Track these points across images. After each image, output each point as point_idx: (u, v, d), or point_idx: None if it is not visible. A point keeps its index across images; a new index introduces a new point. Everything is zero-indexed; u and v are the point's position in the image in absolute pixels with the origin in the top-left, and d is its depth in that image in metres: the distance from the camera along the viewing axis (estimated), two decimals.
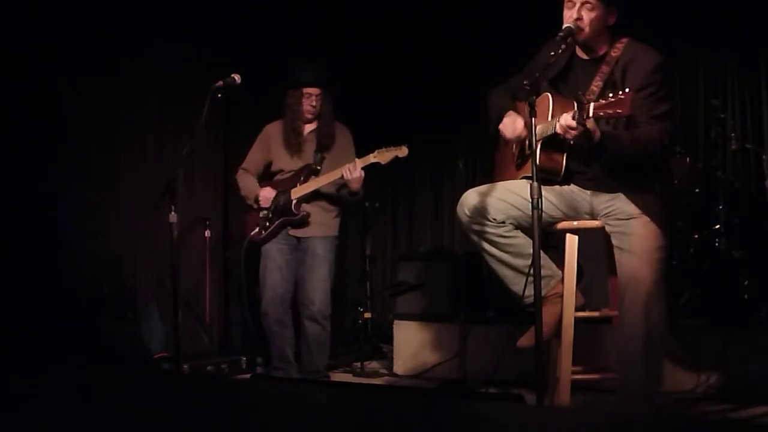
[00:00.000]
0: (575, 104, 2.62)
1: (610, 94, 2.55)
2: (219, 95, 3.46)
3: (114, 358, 4.12)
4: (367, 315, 4.94)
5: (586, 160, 2.87)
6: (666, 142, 2.76)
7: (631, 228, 2.78)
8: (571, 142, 2.74)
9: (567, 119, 2.64)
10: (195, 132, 3.43)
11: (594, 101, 2.58)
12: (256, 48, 5.37)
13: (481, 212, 2.89)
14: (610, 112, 2.53)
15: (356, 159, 3.97)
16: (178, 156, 3.53)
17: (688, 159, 4.47)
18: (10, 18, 4.23)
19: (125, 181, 4.92)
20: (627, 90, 2.54)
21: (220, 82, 3.48)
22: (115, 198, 4.86)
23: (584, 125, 2.61)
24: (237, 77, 3.54)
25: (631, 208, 2.79)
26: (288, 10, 5.58)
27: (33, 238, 4.26)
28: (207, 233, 5.12)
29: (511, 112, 3.01)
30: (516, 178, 3.03)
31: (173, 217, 3.34)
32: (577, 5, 2.79)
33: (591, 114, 2.56)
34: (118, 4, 4.76)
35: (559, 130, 2.69)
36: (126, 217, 4.86)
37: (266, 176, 4.27)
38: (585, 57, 2.94)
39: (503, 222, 2.89)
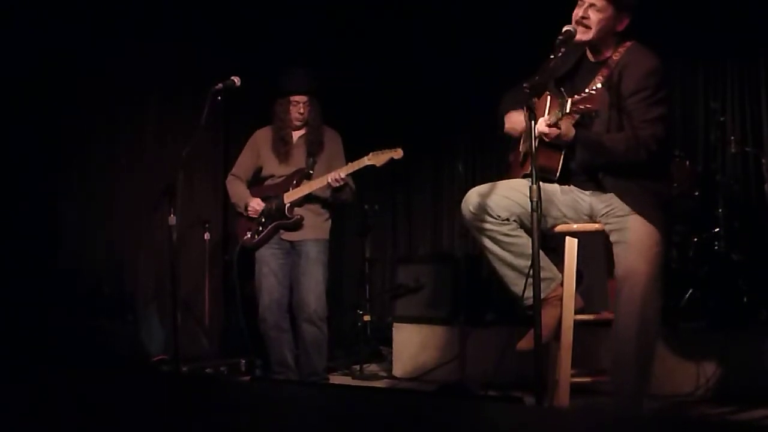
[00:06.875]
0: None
1: (585, 90, 2.60)
2: (219, 97, 3.47)
3: (113, 359, 4.12)
4: (367, 318, 4.93)
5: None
6: (653, 148, 2.76)
7: (629, 223, 2.80)
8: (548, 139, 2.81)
9: (540, 124, 2.72)
10: (195, 134, 3.44)
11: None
12: (256, 50, 5.37)
13: (485, 209, 2.90)
14: (581, 107, 2.60)
15: (350, 163, 3.98)
16: (177, 158, 3.54)
17: (687, 162, 4.47)
18: (11, 18, 4.24)
19: (125, 182, 4.92)
20: (599, 86, 2.61)
21: (220, 85, 3.48)
22: (115, 199, 4.87)
23: (558, 127, 2.68)
24: (236, 79, 3.54)
25: (627, 207, 2.82)
26: (287, 12, 5.58)
27: (33, 239, 4.26)
28: (206, 235, 5.12)
29: (511, 112, 3.05)
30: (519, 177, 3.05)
31: (173, 219, 3.35)
32: (585, 5, 2.81)
33: (568, 110, 2.62)
34: (118, 5, 4.77)
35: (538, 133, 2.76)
36: (126, 219, 4.86)
37: (257, 181, 4.27)
38: (592, 59, 2.96)
39: (507, 219, 2.90)
